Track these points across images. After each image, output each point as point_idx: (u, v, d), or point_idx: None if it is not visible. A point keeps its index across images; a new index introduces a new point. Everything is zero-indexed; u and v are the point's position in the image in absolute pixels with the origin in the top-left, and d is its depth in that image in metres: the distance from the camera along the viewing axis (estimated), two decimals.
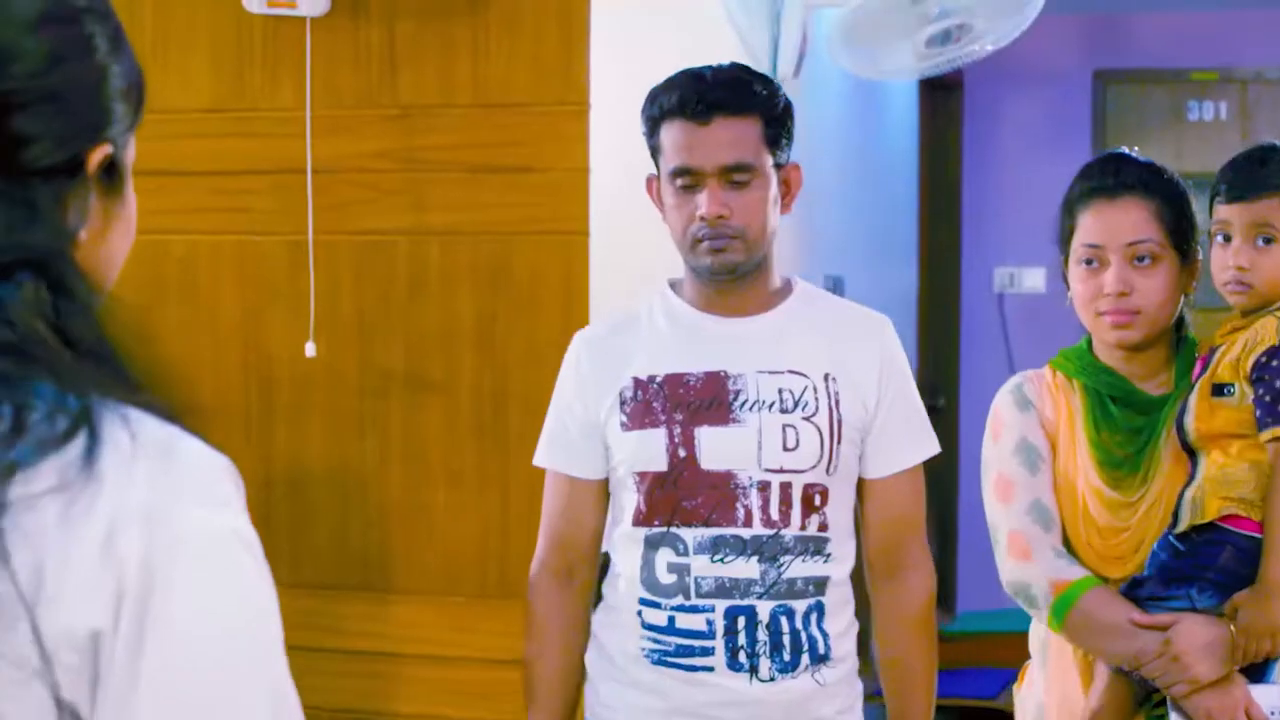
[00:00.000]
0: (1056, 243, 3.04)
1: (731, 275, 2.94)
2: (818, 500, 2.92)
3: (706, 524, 2.89)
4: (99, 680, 1.18)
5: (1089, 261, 2.96)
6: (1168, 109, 8.47)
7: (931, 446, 3.06)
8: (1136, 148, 3.10)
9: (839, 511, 2.96)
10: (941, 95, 8.27)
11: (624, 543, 2.99)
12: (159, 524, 1.20)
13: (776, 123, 2.94)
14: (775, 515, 2.89)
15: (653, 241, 3.98)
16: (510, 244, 3.83)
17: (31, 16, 1.29)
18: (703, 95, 2.89)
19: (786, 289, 3.05)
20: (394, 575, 3.93)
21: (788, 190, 2.99)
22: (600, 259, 3.81)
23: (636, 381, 2.96)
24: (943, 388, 8.16)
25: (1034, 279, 8.19)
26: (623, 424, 2.96)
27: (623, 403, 2.96)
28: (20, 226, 1.26)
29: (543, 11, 3.80)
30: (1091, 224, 2.96)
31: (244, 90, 3.98)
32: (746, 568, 2.89)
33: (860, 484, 3.02)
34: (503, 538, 3.85)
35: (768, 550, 2.89)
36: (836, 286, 5.98)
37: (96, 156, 1.34)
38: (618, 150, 3.86)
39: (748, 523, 2.89)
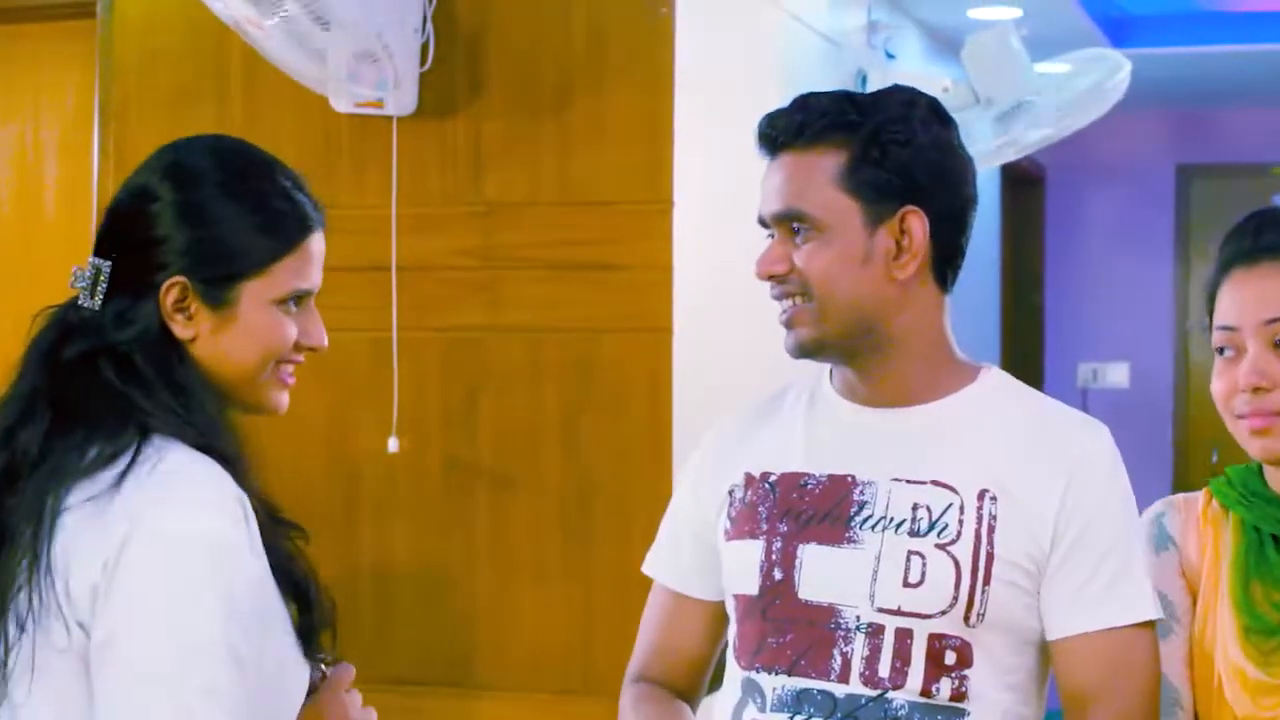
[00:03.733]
0: (1204, 330, 2.33)
1: (813, 357, 2.26)
2: (950, 658, 2.14)
3: (790, 671, 2.17)
4: (95, 616, 1.84)
5: (1222, 349, 2.20)
6: (1251, 204, 8.41)
7: (1141, 609, 2.17)
8: None
9: (993, 677, 2.16)
10: (1024, 189, 8.26)
11: (729, 686, 2.28)
12: (136, 523, 1.84)
13: (875, 155, 2.19)
14: (884, 671, 2.14)
15: (737, 339, 4.00)
16: (594, 341, 3.84)
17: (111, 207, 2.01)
18: (773, 120, 2.25)
19: (965, 377, 2.28)
20: (479, 671, 3.92)
21: (901, 245, 2.20)
22: (684, 356, 3.81)
23: (748, 478, 2.29)
24: None
25: (1118, 374, 8.10)
26: (725, 530, 2.30)
27: (731, 503, 2.31)
28: (115, 326, 1.98)
29: (627, 111, 3.82)
30: (1227, 300, 2.21)
31: (330, 188, 4.00)
32: None
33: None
34: (588, 634, 3.84)
35: (865, 717, 2.13)
36: None
37: (166, 286, 1.96)
38: (702, 248, 3.88)
39: (843, 677, 2.15)
